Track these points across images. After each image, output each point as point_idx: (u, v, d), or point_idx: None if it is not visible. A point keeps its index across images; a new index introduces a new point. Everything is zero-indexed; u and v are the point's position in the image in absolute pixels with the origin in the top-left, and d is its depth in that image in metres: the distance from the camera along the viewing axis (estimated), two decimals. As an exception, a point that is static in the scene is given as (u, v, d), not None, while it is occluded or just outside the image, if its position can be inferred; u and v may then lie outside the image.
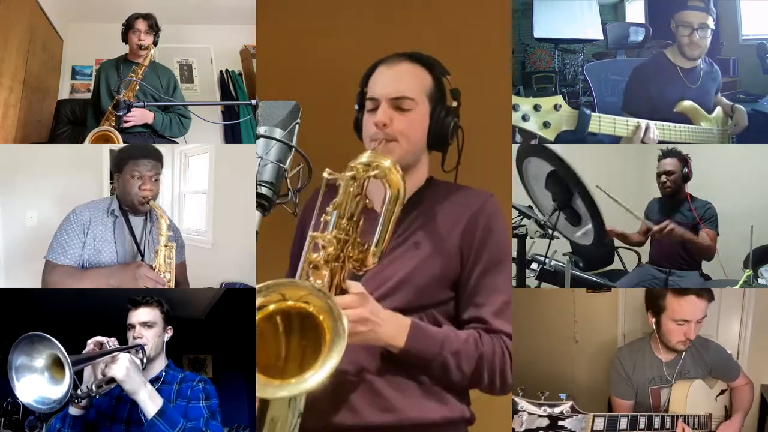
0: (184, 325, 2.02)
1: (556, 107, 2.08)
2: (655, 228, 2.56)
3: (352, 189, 1.32)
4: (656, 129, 2.23)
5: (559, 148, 2.27)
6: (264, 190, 1.26)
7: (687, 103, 2.37)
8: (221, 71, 2.89)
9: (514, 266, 2.23)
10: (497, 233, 1.52)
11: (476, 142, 1.63)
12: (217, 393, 1.85)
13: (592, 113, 2.13)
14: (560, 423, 1.78)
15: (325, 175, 1.30)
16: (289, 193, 1.32)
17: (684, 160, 2.61)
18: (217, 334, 2.53)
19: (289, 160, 1.30)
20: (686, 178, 2.63)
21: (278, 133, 1.29)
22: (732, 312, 2.32)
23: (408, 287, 1.46)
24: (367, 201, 1.36)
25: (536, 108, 2.07)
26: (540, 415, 1.79)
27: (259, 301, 1.22)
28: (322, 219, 1.33)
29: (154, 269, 2.08)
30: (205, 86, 2.92)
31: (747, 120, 2.41)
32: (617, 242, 2.91)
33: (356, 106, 1.61)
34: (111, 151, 2.26)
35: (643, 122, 2.20)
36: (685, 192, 2.65)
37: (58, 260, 2.06)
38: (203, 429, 1.72)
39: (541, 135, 2.10)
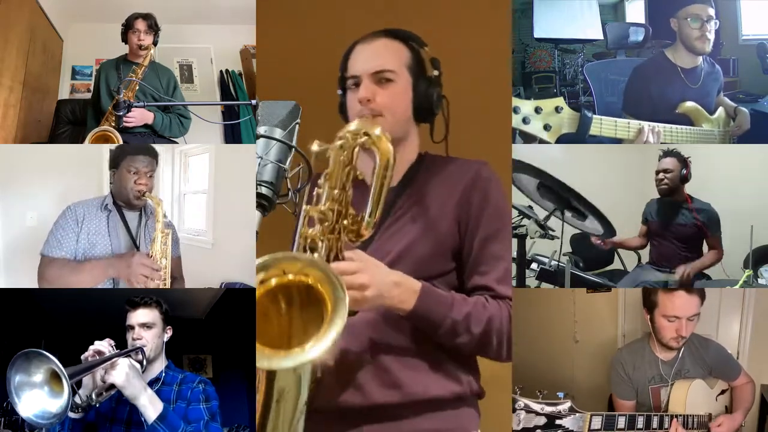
0: (184, 325, 2.02)
1: (558, 109, 2.08)
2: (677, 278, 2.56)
3: (342, 158, 1.32)
4: (659, 131, 2.22)
5: (553, 153, 2.27)
6: (264, 190, 1.25)
7: (689, 103, 2.37)
8: (221, 71, 2.89)
9: (514, 266, 2.23)
10: (494, 201, 1.53)
11: (476, 142, 1.63)
12: (217, 394, 1.84)
13: (594, 116, 2.13)
14: (558, 422, 1.79)
15: (314, 147, 1.30)
16: (289, 193, 1.31)
17: (683, 161, 2.61)
18: (217, 334, 2.53)
19: (289, 160, 1.29)
20: (684, 179, 2.63)
21: (278, 133, 1.29)
22: (732, 312, 2.32)
23: (407, 260, 1.47)
24: (359, 173, 1.35)
25: (537, 110, 2.06)
26: (538, 414, 1.79)
27: (259, 276, 1.22)
28: (314, 192, 1.33)
29: (151, 256, 2.08)
30: (205, 86, 2.92)
31: (749, 123, 2.41)
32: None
33: (339, 91, 1.62)
34: (110, 150, 2.26)
35: (646, 126, 2.20)
36: (684, 193, 2.65)
37: (54, 254, 2.06)
38: (203, 431, 1.72)
39: (541, 138, 2.09)
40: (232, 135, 2.67)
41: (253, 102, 2.34)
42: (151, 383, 1.73)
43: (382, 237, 1.49)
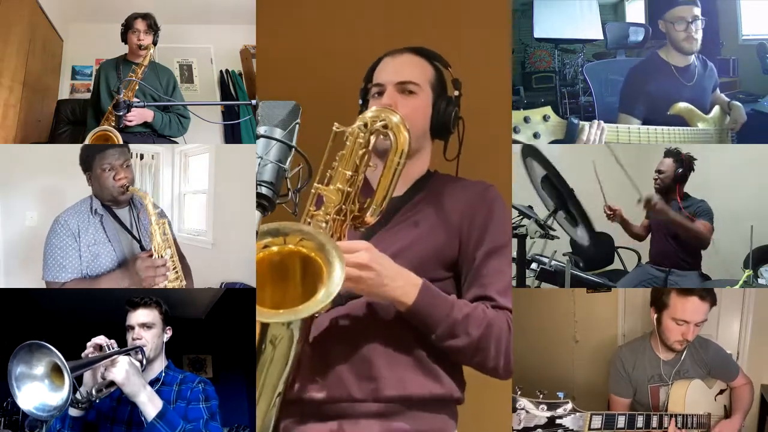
0: (184, 325, 2.02)
1: (545, 118, 2.12)
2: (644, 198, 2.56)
3: (359, 141, 1.36)
4: (606, 129, 2.21)
5: (555, 150, 2.28)
6: (264, 190, 1.26)
7: (682, 104, 2.38)
8: (221, 71, 2.89)
9: (514, 266, 2.23)
10: (498, 218, 1.56)
11: (476, 142, 1.63)
12: (216, 394, 1.84)
13: (581, 122, 2.15)
14: (558, 421, 1.79)
15: (334, 128, 1.36)
16: (289, 193, 1.32)
17: (680, 161, 2.62)
18: (217, 334, 2.53)
19: (289, 160, 1.30)
20: (678, 178, 2.63)
21: (278, 133, 1.29)
22: (732, 312, 2.32)
23: (405, 258, 1.47)
24: (372, 164, 1.40)
25: (526, 120, 2.11)
26: (538, 414, 1.79)
27: (262, 241, 1.27)
28: (327, 173, 1.39)
29: (152, 253, 2.04)
30: (205, 86, 2.91)
31: (745, 115, 2.42)
32: (617, 242, 2.91)
33: (360, 101, 1.66)
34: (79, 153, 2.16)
35: (587, 124, 2.19)
36: (677, 192, 2.66)
37: (60, 278, 1.99)
38: (203, 430, 1.73)
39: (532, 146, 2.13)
40: (232, 135, 2.67)
41: (253, 102, 2.34)
42: (151, 383, 1.73)
43: (382, 236, 1.51)
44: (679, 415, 1.92)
